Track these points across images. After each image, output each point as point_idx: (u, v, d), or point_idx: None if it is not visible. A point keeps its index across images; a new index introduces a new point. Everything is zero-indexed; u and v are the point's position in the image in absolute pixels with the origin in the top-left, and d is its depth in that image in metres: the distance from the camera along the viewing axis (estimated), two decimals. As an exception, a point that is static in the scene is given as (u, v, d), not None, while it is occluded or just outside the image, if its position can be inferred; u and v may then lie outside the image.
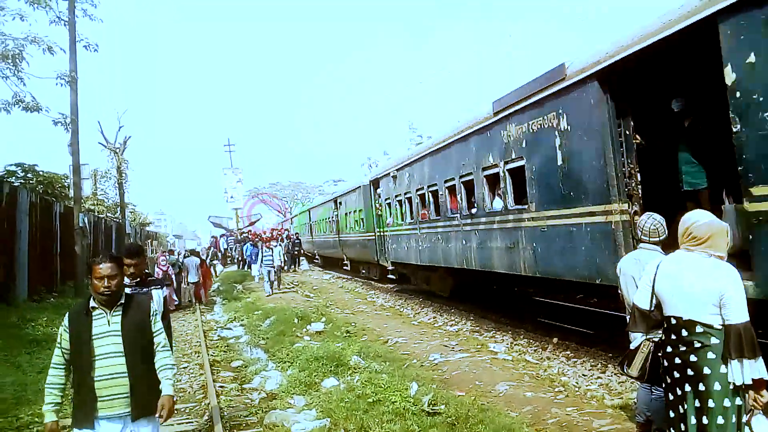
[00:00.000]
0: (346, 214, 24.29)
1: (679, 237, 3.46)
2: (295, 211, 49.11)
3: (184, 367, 9.36)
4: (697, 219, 3.37)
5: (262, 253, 20.03)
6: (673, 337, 3.37)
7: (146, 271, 4.92)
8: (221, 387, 7.84)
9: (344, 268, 26.69)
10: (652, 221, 4.66)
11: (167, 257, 18.86)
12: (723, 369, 3.15)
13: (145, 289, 4.59)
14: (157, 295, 4.67)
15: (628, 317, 4.69)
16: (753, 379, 3.09)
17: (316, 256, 36.98)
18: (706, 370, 3.19)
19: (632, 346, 3.87)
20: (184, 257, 20.02)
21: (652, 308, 3.53)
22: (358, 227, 21.85)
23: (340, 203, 25.57)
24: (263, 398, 7.24)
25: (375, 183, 19.14)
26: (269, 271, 18.76)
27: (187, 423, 6.50)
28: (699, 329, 3.22)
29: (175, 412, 6.84)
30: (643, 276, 3.66)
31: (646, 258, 4.50)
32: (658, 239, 4.63)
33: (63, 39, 16.50)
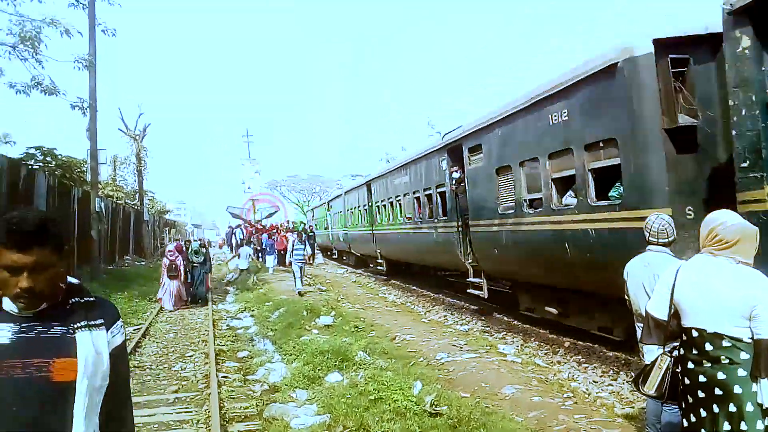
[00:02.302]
0: (474, 180, 10.96)
1: (701, 239, 3.15)
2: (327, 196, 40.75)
3: (189, 356, 9.32)
4: (725, 220, 3.03)
5: (293, 245, 17.20)
6: (695, 351, 3.03)
7: (70, 280, 1.88)
8: (224, 377, 7.76)
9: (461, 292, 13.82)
10: (660, 222, 4.39)
11: (191, 245, 16.50)
12: (755, 387, 2.85)
13: (59, 330, 1.76)
14: (87, 345, 1.77)
15: (637, 326, 4.46)
16: None
17: (351, 252, 25.15)
18: (737, 389, 2.87)
19: (647, 360, 3.51)
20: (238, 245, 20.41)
21: (669, 318, 3.21)
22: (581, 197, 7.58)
23: (446, 165, 12.34)
24: (265, 390, 7.15)
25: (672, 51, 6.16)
26: (301, 267, 16.77)
27: (186, 412, 6.43)
28: (726, 343, 2.91)
29: (176, 400, 6.87)
30: (659, 282, 3.34)
31: (655, 261, 4.26)
32: (666, 240, 4.38)
33: (81, 22, 16.64)
